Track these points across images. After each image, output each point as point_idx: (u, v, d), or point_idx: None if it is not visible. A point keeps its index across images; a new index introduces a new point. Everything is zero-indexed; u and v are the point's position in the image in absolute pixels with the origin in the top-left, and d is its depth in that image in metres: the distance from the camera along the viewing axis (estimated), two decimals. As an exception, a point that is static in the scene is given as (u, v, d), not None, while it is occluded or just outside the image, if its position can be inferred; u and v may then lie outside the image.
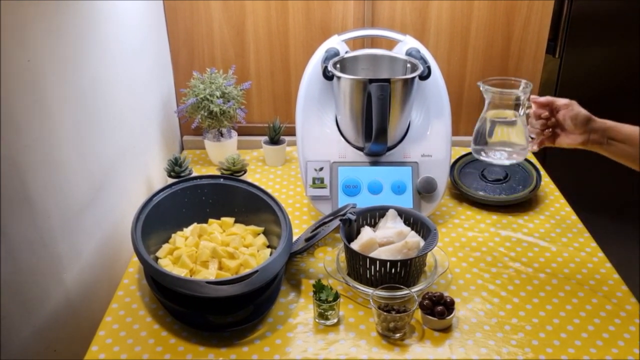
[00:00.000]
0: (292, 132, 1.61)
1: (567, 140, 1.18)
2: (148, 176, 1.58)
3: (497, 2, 1.69)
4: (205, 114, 1.64)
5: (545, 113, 1.18)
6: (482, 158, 1.22)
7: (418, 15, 1.71)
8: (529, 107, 1.19)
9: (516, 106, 1.17)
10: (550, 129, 1.20)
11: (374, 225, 1.33)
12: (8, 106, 0.94)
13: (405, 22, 1.72)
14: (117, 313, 1.19)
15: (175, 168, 1.55)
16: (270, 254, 1.25)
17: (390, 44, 1.62)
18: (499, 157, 1.21)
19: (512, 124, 1.18)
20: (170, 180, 1.43)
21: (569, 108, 1.16)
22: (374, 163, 1.47)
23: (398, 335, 1.12)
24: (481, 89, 1.19)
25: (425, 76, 1.43)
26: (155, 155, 1.65)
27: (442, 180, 1.46)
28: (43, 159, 1.05)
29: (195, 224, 1.32)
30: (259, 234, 1.33)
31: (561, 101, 1.18)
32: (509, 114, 1.18)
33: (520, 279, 1.28)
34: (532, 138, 1.21)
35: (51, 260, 1.10)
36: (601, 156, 2.06)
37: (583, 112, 1.16)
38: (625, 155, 1.15)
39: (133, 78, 1.48)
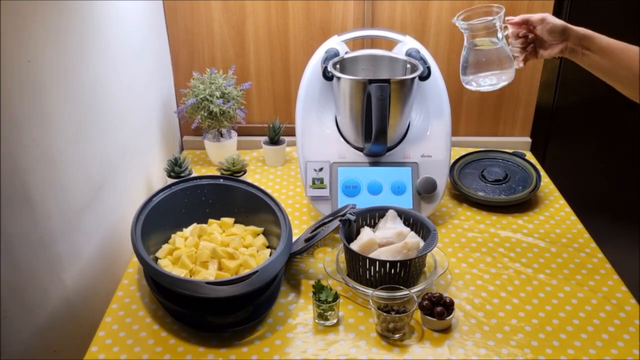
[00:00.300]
0: (291, 132, 1.61)
1: (547, 52, 1.20)
2: (148, 176, 1.58)
3: (497, 2, 1.69)
4: (205, 114, 1.64)
5: (523, 31, 1.20)
6: (473, 88, 1.24)
7: (418, 15, 1.71)
8: (506, 28, 1.22)
9: (494, 31, 1.20)
10: (532, 45, 1.22)
11: (373, 226, 1.33)
12: (8, 106, 0.94)
13: (405, 23, 1.72)
14: (116, 313, 1.19)
15: (175, 168, 1.55)
16: (270, 255, 1.25)
17: (390, 44, 1.63)
18: (489, 83, 1.23)
19: (494, 49, 1.21)
20: (170, 181, 1.43)
21: (545, 22, 1.18)
22: (373, 163, 1.47)
23: (397, 335, 1.12)
24: (457, 25, 1.21)
25: (425, 77, 1.43)
26: (155, 156, 1.65)
27: (441, 180, 1.46)
28: (43, 159, 1.05)
29: (195, 225, 1.33)
30: (258, 235, 1.33)
31: (536, 16, 1.20)
32: (489, 41, 1.21)
33: (519, 279, 1.28)
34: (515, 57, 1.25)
35: (51, 261, 1.10)
36: (601, 157, 2.05)
37: (558, 22, 1.18)
38: (598, 67, 1.16)
39: (133, 78, 1.48)
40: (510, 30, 1.21)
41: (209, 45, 1.77)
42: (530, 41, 1.21)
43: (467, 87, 1.25)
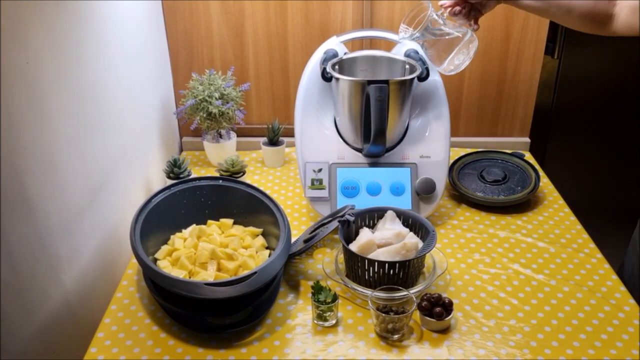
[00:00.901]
0: (291, 133, 1.61)
1: (488, 9, 1.31)
2: (147, 177, 1.58)
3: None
4: (204, 115, 1.64)
5: (458, 8, 1.28)
6: (453, 72, 1.32)
7: (417, 16, 1.71)
8: (443, 13, 1.31)
9: (435, 22, 1.28)
10: (473, 10, 1.30)
11: (372, 227, 1.33)
12: (7, 108, 0.94)
13: (404, 23, 1.72)
14: (115, 315, 1.19)
15: (174, 169, 1.55)
16: (269, 256, 1.25)
17: (389, 45, 1.63)
18: (463, 60, 1.31)
19: (446, 35, 1.30)
20: (169, 182, 1.43)
21: None
22: (372, 164, 1.47)
23: (396, 336, 1.12)
24: (406, 38, 1.29)
25: (423, 77, 1.43)
26: (154, 157, 1.65)
27: (440, 181, 1.46)
28: (42, 161, 1.05)
29: (194, 226, 1.33)
30: (257, 235, 1.33)
31: None
32: (437, 31, 1.29)
33: (519, 280, 1.28)
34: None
35: (50, 262, 1.10)
36: (599, 157, 2.05)
37: None
38: (532, 8, 1.26)
39: (132, 79, 1.48)
40: (448, 13, 1.29)
41: (208, 47, 1.77)
42: (469, 9, 1.29)
43: (448, 74, 1.33)
